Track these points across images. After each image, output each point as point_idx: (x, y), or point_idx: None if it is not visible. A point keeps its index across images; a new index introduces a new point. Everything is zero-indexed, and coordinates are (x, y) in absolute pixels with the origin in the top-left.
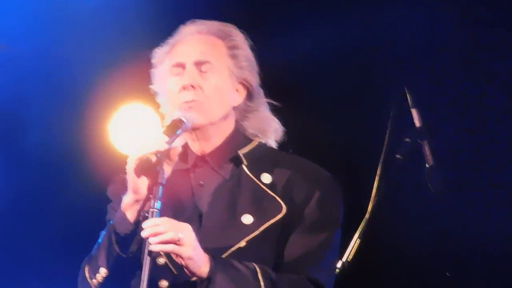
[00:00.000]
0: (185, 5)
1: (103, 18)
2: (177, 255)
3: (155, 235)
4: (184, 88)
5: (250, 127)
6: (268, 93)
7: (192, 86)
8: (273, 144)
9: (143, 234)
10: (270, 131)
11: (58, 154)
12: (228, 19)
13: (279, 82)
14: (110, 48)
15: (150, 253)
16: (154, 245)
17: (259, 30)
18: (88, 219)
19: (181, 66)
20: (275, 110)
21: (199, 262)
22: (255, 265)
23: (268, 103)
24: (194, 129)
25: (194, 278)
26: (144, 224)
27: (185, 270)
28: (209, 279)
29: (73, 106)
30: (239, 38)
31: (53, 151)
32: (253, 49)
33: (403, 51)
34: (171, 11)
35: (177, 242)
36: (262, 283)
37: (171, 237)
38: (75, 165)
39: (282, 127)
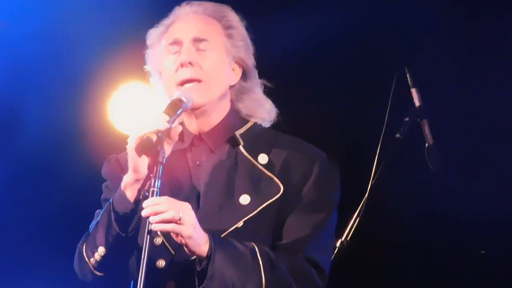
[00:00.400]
0: None
1: None
2: (177, 234)
3: (155, 214)
4: (182, 65)
5: (244, 108)
6: (267, 74)
7: (190, 63)
8: (267, 124)
9: (144, 213)
10: (264, 112)
11: (58, 133)
12: (225, 1)
13: (278, 62)
14: (109, 26)
15: (150, 232)
16: (154, 224)
17: (257, 12)
18: (87, 198)
19: (179, 43)
20: (273, 91)
21: (199, 241)
22: (254, 244)
23: (263, 84)
24: (194, 108)
25: (193, 257)
26: (145, 203)
27: (185, 249)
28: (209, 257)
29: (72, 85)
30: (235, 18)
31: (53, 130)
32: (248, 30)
33: (403, 31)
34: None
35: (178, 222)
36: (261, 262)
37: (172, 216)
38: (75, 144)
39: (275, 108)
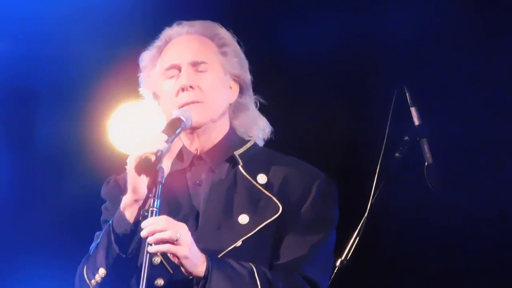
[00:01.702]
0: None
1: (103, 14)
2: (173, 254)
3: (153, 233)
4: (183, 89)
5: (239, 125)
6: (265, 91)
7: (191, 87)
8: (261, 142)
9: (142, 233)
10: (258, 129)
11: (57, 152)
12: (217, 18)
13: (275, 78)
14: (109, 45)
15: (148, 253)
16: (151, 246)
17: (250, 28)
18: (86, 218)
19: (176, 68)
20: (271, 108)
21: (195, 261)
22: (251, 264)
23: (257, 100)
24: (195, 128)
25: (191, 277)
26: (143, 224)
27: (182, 269)
28: (206, 278)
29: (72, 104)
30: (227, 35)
31: (53, 149)
32: (240, 45)
33: (402, 49)
34: (172, 8)
35: (175, 242)
36: (258, 282)
37: (169, 236)
38: (74, 163)
39: (270, 126)
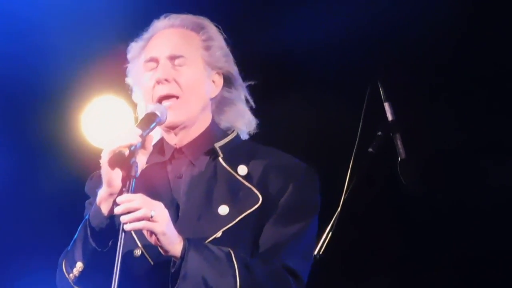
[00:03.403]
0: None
1: (78, 10)
2: (150, 232)
3: (128, 211)
4: (158, 82)
5: (224, 119)
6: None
7: (166, 80)
8: (245, 135)
9: (116, 210)
10: (243, 123)
11: (30, 146)
12: (205, 13)
13: (253, 75)
14: (83, 40)
15: (124, 231)
16: (127, 224)
17: (236, 21)
18: (62, 213)
19: (155, 60)
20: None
21: (173, 239)
22: (229, 249)
23: (247, 92)
24: (173, 127)
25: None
26: (118, 199)
27: (159, 249)
28: (182, 257)
29: (46, 99)
30: (213, 30)
31: (27, 145)
32: (227, 42)
33: (376, 44)
34: (148, 4)
35: (150, 219)
36: (236, 266)
37: (144, 213)
38: (49, 159)
39: (255, 119)
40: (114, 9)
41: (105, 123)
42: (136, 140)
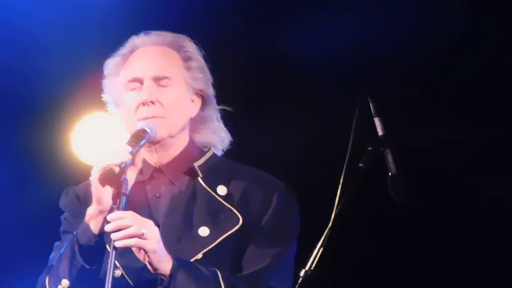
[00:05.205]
0: (148, 17)
1: (69, 26)
2: (140, 249)
3: (118, 229)
4: (143, 104)
5: (199, 137)
6: (225, 100)
7: (152, 102)
8: (219, 152)
9: (107, 227)
10: (218, 139)
11: (20, 163)
12: (188, 29)
13: (238, 89)
14: (73, 57)
15: (115, 248)
16: (117, 241)
17: (219, 36)
18: (47, 229)
19: (139, 81)
20: (233, 118)
21: (162, 258)
22: (216, 269)
23: (222, 109)
24: (154, 142)
25: (157, 273)
26: (109, 217)
27: (148, 266)
28: (171, 276)
29: (37, 116)
30: (193, 49)
31: (15, 161)
32: (206, 59)
33: (366, 59)
34: (136, 22)
35: (141, 237)
36: (222, 285)
37: (134, 231)
38: (39, 175)
39: (230, 136)
40: (105, 26)
41: (95, 140)
42: (126, 157)
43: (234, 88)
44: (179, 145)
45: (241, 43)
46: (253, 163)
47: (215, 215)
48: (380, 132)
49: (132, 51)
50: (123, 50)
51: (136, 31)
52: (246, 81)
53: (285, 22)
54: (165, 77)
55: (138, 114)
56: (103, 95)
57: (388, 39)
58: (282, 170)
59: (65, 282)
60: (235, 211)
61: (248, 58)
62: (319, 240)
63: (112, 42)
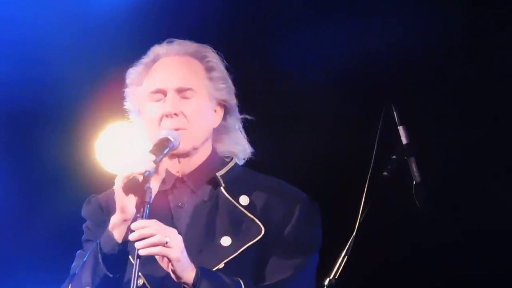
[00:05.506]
0: (173, 23)
1: (90, 35)
2: (164, 257)
3: (142, 237)
4: (167, 116)
5: (222, 147)
6: (248, 110)
7: (176, 114)
8: (240, 162)
9: (131, 236)
10: (239, 149)
11: (45, 172)
12: (206, 38)
13: (260, 99)
14: (97, 66)
15: (139, 256)
16: (141, 250)
17: (241, 48)
18: (71, 238)
19: (162, 92)
20: (255, 127)
21: (186, 266)
22: (239, 279)
23: (245, 119)
24: (178, 155)
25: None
26: (133, 226)
27: (172, 274)
28: (194, 285)
29: (61, 125)
30: (215, 59)
31: (40, 170)
32: (229, 70)
33: (390, 68)
34: (161, 29)
35: (165, 245)
36: None
37: (158, 239)
38: (63, 184)
39: (250, 147)
40: (128, 34)
41: (119, 149)
42: (150, 166)
43: (258, 98)
44: (202, 154)
45: (260, 52)
46: (276, 173)
47: (237, 225)
48: (404, 140)
49: (155, 61)
50: (146, 59)
51: (159, 39)
52: (267, 89)
53: (306, 31)
54: (188, 89)
55: (161, 126)
56: (125, 103)
57: (413, 46)
58: (307, 179)
59: None
60: (257, 221)
61: (269, 64)
62: (343, 249)
63: (134, 50)
